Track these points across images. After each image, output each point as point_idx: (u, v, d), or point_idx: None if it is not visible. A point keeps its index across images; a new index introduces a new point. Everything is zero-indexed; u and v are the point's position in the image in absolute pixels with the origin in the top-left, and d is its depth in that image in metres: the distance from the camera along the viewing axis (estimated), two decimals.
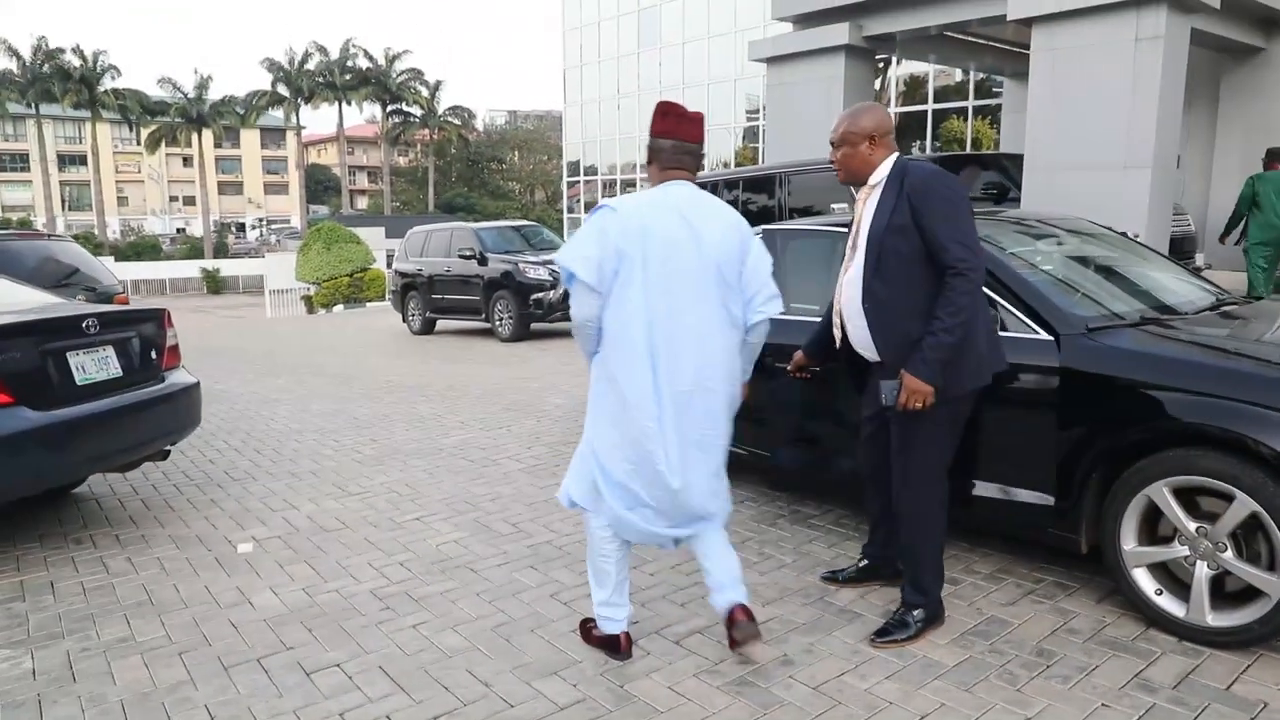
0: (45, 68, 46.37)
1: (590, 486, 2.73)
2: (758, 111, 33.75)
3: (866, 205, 2.86)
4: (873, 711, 2.49)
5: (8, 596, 3.51)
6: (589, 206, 26.64)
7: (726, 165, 34.24)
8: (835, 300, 3.03)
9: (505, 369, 9.31)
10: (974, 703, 2.51)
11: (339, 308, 20.09)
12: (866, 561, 3.33)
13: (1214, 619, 2.73)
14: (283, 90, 50.12)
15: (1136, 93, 8.05)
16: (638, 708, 2.56)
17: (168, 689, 2.75)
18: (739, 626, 2.72)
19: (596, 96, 41.56)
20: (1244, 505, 2.60)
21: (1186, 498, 2.77)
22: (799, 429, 4.13)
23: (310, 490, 4.89)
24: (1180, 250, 8.84)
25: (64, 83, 46.18)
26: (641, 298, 2.56)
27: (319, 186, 68.06)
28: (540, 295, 11.10)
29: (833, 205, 7.40)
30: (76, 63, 46.64)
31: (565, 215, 45.44)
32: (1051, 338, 3.09)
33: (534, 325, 11.58)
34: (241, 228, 67.41)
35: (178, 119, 48.66)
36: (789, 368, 3.48)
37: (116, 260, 31.00)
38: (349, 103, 52.03)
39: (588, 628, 2.96)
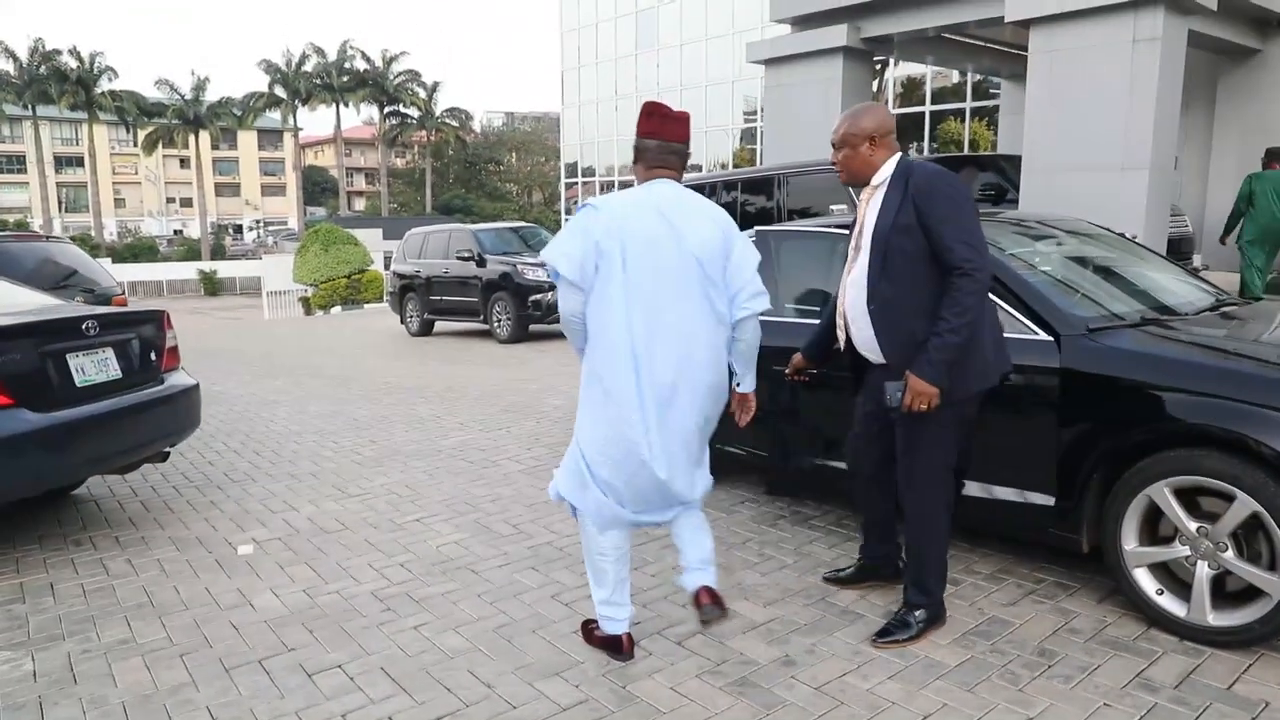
0: (42, 69, 46.32)
1: (577, 478, 2.76)
2: (755, 113, 33.78)
3: (870, 206, 2.85)
4: (875, 712, 2.49)
5: (7, 598, 3.50)
6: None
7: (724, 166, 34.27)
8: (839, 301, 3.00)
9: (504, 370, 9.31)
10: (976, 703, 2.51)
11: (337, 309, 20.08)
12: (865, 561, 3.32)
13: (1215, 619, 2.73)
14: (280, 92, 50.08)
15: (1134, 94, 8.07)
16: (640, 708, 2.56)
17: (169, 690, 2.74)
18: (704, 610, 2.78)
19: (594, 98, 41.59)
20: (1245, 505, 2.61)
21: (1187, 498, 2.78)
22: (804, 431, 4.12)
23: (310, 492, 4.89)
24: (1178, 251, 8.87)
25: (61, 84, 46.11)
26: (621, 295, 2.60)
27: (316, 188, 68.02)
28: (538, 297, 11.11)
29: (832, 207, 7.40)
30: (73, 64, 46.58)
31: (563, 217, 45.49)
32: (1052, 338, 3.09)
33: (532, 327, 11.58)
34: (239, 229, 67.37)
35: (175, 121, 48.61)
36: (787, 371, 3.43)
37: (114, 262, 30.96)
38: (346, 104, 52.02)
39: (589, 629, 2.96)
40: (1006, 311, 3.19)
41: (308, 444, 6.07)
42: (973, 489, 3.25)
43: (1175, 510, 2.76)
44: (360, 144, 69.99)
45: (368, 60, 52.10)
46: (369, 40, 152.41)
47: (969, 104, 26.37)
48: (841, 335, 3.01)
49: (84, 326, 4.06)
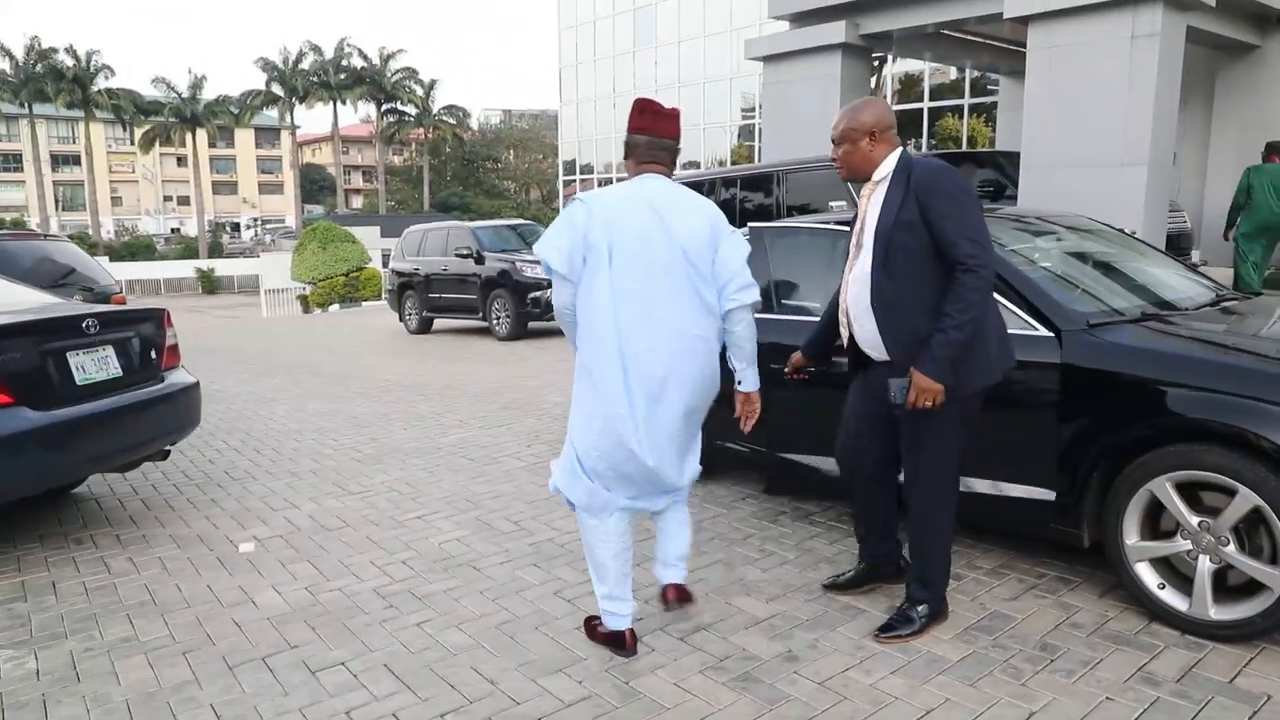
0: (38, 67, 46.18)
1: (569, 469, 2.83)
2: (753, 110, 33.78)
3: (871, 201, 2.82)
4: (878, 706, 2.50)
5: (9, 597, 3.50)
6: None
7: (722, 164, 34.26)
8: (841, 298, 2.97)
9: (503, 367, 9.30)
10: (979, 697, 2.52)
11: (335, 307, 20.07)
12: (865, 564, 3.24)
13: (1217, 613, 2.74)
14: (277, 90, 49.98)
15: (1133, 90, 8.07)
16: (643, 704, 2.56)
17: (172, 688, 2.75)
18: (669, 605, 3.08)
19: (592, 95, 41.56)
20: (1246, 500, 2.62)
21: (1189, 492, 2.78)
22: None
23: (311, 489, 4.89)
24: (1176, 247, 8.88)
25: (57, 82, 45.98)
26: (608, 288, 2.65)
27: (314, 186, 67.92)
28: (537, 294, 11.09)
29: (831, 203, 7.40)
30: (69, 62, 46.45)
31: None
32: (1052, 334, 3.10)
33: (531, 324, 11.58)
34: (236, 227, 67.24)
35: (172, 119, 48.50)
36: (786, 369, 3.36)
37: (111, 260, 30.86)
38: (344, 102, 51.90)
39: (592, 625, 2.97)
40: (1007, 307, 3.19)
41: (307, 442, 6.07)
42: (974, 484, 3.25)
43: (1177, 505, 2.77)
44: (358, 142, 69.87)
45: (365, 58, 52.01)
46: (366, 38, 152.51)
47: (967, 100, 26.38)
48: (845, 332, 2.98)
49: (84, 325, 4.05)
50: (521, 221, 14.77)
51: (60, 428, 3.77)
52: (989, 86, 23.82)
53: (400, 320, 13.69)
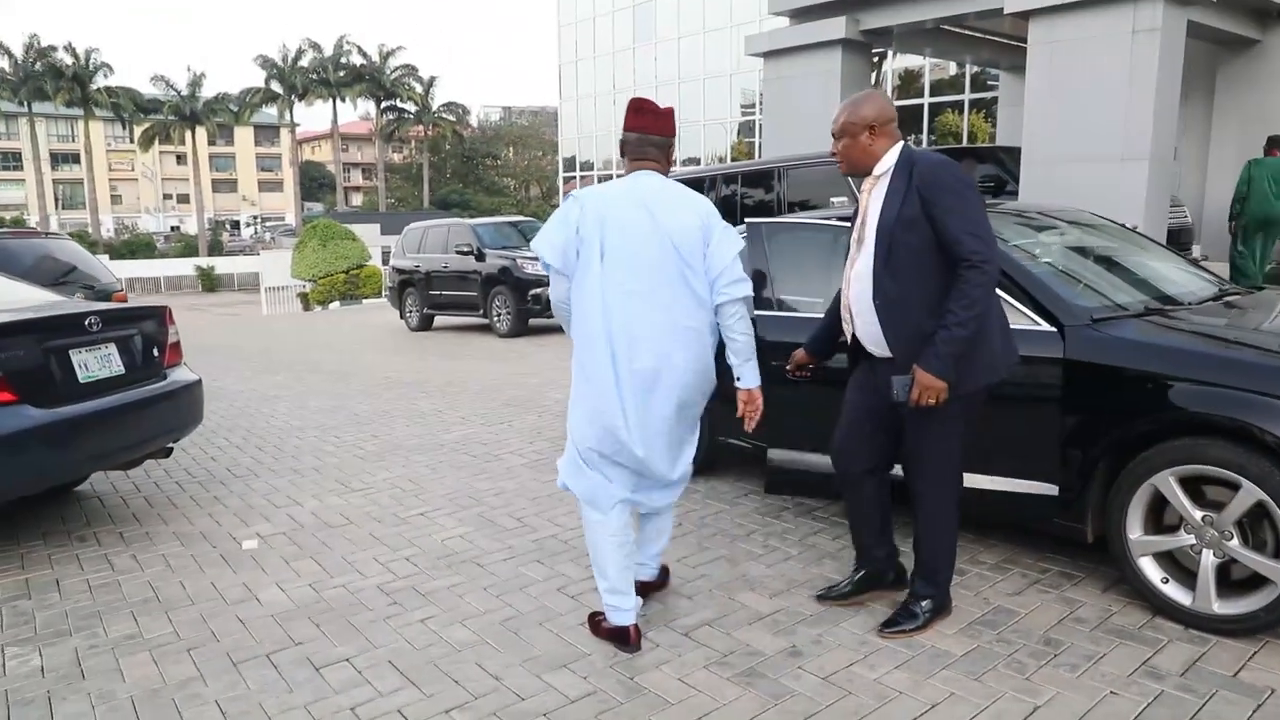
0: (37, 65, 46.11)
1: (572, 463, 2.90)
2: (753, 106, 33.75)
3: (872, 196, 2.79)
4: (883, 701, 2.50)
5: (13, 594, 3.51)
6: None
7: (721, 160, 34.24)
8: (843, 295, 2.94)
9: (504, 364, 9.30)
10: (983, 692, 2.52)
11: (335, 305, 20.06)
12: (865, 572, 3.13)
13: (1220, 607, 2.75)
14: (276, 87, 49.90)
15: (1133, 85, 8.08)
16: (648, 700, 2.56)
17: (177, 685, 2.75)
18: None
19: (592, 92, 41.53)
20: (1250, 494, 2.62)
21: (1192, 486, 2.78)
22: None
23: (313, 486, 4.89)
24: (1177, 242, 8.87)
25: (56, 81, 45.93)
26: (599, 282, 2.72)
27: (313, 183, 67.87)
28: (538, 290, 11.08)
29: (832, 199, 7.40)
30: (69, 60, 46.40)
31: None
32: (1055, 329, 3.09)
33: (532, 321, 11.58)
34: (236, 225, 67.20)
35: (171, 117, 48.43)
36: (788, 367, 3.29)
37: (111, 259, 30.86)
38: (343, 99, 51.82)
39: (596, 621, 2.97)
40: (1010, 303, 3.18)
41: (309, 439, 6.07)
42: (978, 480, 3.25)
43: (1180, 499, 2.77)
44: (357, 139, 69.82)
45: (364, 55, 51.92)
46: (366, 36, 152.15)
47: (967, 96, 26.34)
48: (848, 329, 2.93)
49: (86, 322, 4.05)
50: (522, 218, 14.76)
51: (63, 425, 3.77)
52: (989, 82, 23.78)
53: (401, 317, 13.68)
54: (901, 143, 2.80)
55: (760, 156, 17.89)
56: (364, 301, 20.06)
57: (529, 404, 6.98)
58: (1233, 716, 2.36)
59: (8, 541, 4.10)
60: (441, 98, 67.22)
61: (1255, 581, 2.71)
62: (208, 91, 49.27)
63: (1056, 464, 3.08)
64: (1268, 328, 3.28)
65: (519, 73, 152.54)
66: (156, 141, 50.16)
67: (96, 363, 4.06)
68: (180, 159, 61.64)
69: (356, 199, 70.43)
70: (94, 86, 47.09)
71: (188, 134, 49.43)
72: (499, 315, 11.75)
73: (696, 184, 8.99)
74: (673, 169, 3.08)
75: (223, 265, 38.38)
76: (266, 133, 69.68)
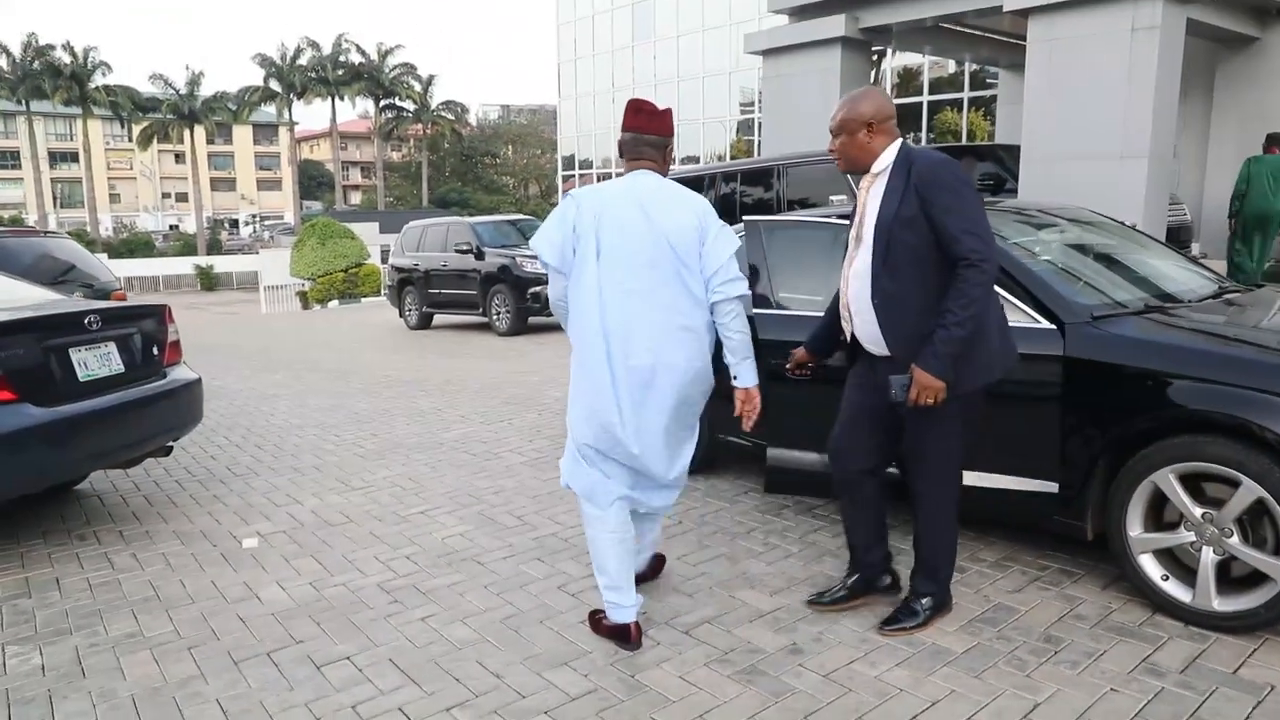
0: (35, 64, 46.05)
1: (574, 459, 2.94)
2: (752, 104, 33.75)
3: (870, 194, 2.76)
4: (883, 699, 2.50)
5: (13, 593, 3.51)
6: None
7: (720, 158, 34.23)
8: (841, 293, 2.92)
9: (503, 363, 9.30)
10: (984, 689, 2.53)
11: (334, 303, 20.06)
12: (858, 577, 3.08)
13: (1220, 604, 2.75)
14: (275, 86, 49.85)
15: (1133, 83, 8.08)
16: (649, 697, 2.57)
17: (178, 684, 2.75)
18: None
19: (591, 90, 41.52)
20: (1250, 491, 2.62)
21: (1192, 484, 2.79)
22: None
23: (313, 485, 4.89)
24: (1176, 240, 8.88)
25: (54, 79, 45.86)
26: (594, 280, 2.75)
27: (312, 182, 67.81)
28: (537, 289, 11.08)
29: (831, 197, 7.40)
30: (67, 59, 46.34)
31: None
32: (1055, 327, 3.09)
33: (531, 319, 11.58)
34: (235, 224, 67.17)
35: (169, 115, 48.37)
36: (788, 365, 3.26)
37: (110, 257, 30.87)
38: (342, 98, 51.77)
39: (597, 619, 2.98)
40: (1010, 300, 3.18)
41: (309, 437, 6.07)
42: (978, 478, 3.25)
43: (1180, 496, 2.77)
44: (356, 138, 69.77)
45: (363, 54, 51.85)
46: (364, 34, 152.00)
47: (966, 94, 26.36)
48: (846, 327, 2.91)
49: (86, 321, 4.05)
50: (521, 217, 14.76)
51: (63, 424, 3.77)
52: (988, 80, 23.80)
53: (400, 316, 13.68)
54: (900, 140, 2.77)
55: (759, 155, 17.89)
56: (363, 300, 20.06)
57: (529, 402, 6.99)
58: (1232, 713, 2.36)
59: (8, 540, 4.10)
60: (440, 96, 67.31)
61: (1255, 579, 2.71)
62: (206, 90, 49.24)
63: (1056, 461, 3.08)
64: (1267, 325, 3.28)
65: (518, 71, 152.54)
66: (155, 140, 50.12)
67: (96, 361, 4.05)
68: (179, 158, 61.53)
69: (355, 197, 70.37)
70: (92, 85, 47.03)
71: (186, 133, 49.38)
72: (498, 313, 11.74)
73: (696, 182, 8.98)
74: (672, 167, 3.08)
75: (221, 264, 38.40)
76: (265, 131, 69.64)
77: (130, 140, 54.90)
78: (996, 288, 3.14)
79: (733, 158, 32.96)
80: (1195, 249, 9.97)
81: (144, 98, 48.74)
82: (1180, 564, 2.90)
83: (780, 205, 8.14)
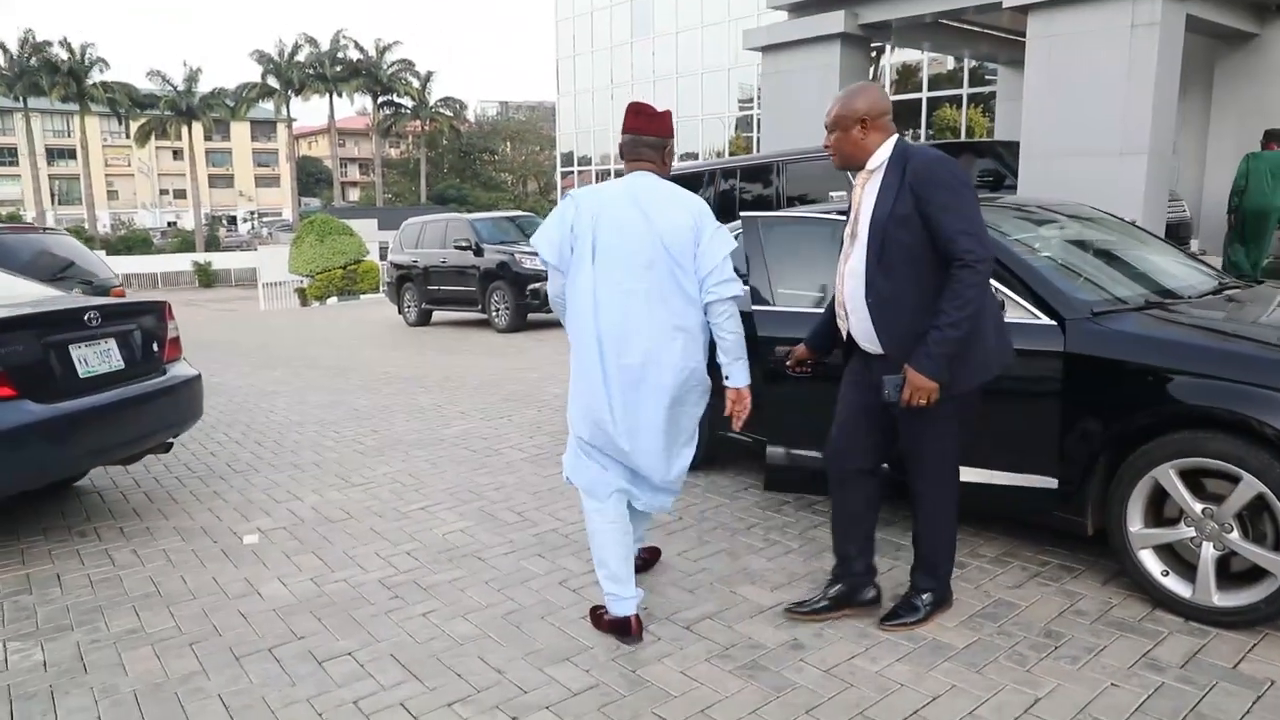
0: (32, 60, 45.95)
1: (573, 452, 2.99)
2: (751, 101, 33.72)
3: (865, 191, 2.73)
4: (884, 693, 2.51)
5: (14, 589, 3.51)
6: None
7: (719, 155, 34.19)
8: (836, 291, 2.90)
9: (502, 359, 9.30)
10: (984, 684, 2.53)
11: (333, 300, 20.03)
12: (842, 586, 2.98)
13: (1220, 599, 2.75)
14: (273, 82, 49.76)
15: (1132, 79, 8.08)
16: (650, 692, 2.57)
17: (180, 679, 2.75)
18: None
19: (590, 87, 41.46)
20: (1250, 487, 2.63)
21: (1192, 479, 2.79)
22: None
23: (313, 481, 4.89)
24: (1175, 236, 8.90)
25: (51, 76, 45.76)
26: (590, 278, 2.80)
27: (310, 179, 67.74)
28: (536, 285, 11.08)
29: (830, 193, 7.40)
30: (64, 56, 46.24)
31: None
32: (1056, 323, 3.10)
33: (530, 316, 11.57)
34: (233, 221, 67.09)
35: (167, 112, 48.28)
36: (788, 363, 3.25)
37: (108, 254, 30.84)
38: (340, 94, 51.69)
39: (598, 614, 2.98)
40: (1010, 297, 3.18)
41: (309, 434, 6.07)
42: (978, 474, 3.25)
43: (1180, 492, 2.78)
44: (354, 134, 69.67)
45: (361, 50, 51.77)
46: (362, 31, 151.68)
47: (965, 90, 26.35)
48: (843, 325, 2.90)
49: (86, 317, 4.05)
50: (520, 213, 14.73)
51: (63, 421, 3.77)
52: (987, 76, 23.79)
53: (399, 313, 13.67)
54: (896, 137, 2.73)
55: (758, 151, 17.88)
56: (361, 297, 20.03)
57: (528, 398, 6.99)
58: (1232, 708, 2.37)
59: (8, 537, 4.10)
60: (439, 93, 67.22)
61: (1255, 574, 2.72)
62: (204, 87, 49.14)
63: (1056, 457, 3.08)
64: (1267, 321, 3.29)
65: (516, 68, 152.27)
66: (153, 137, 50.03)
67: (96, 358, 4.05)
68: (177, 154, 61.42)
69: (354, 194, 70.29)
70: (90, 81, 46.93)
71: (184, 129, 49.28)
72: (497, 310, 11.74)
73: (695, 179, 8.99)
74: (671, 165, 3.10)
75: (220, 261, 38.35)
76: (263, 128, 69.54)
77: (128, 137, 54.78)
78: (997, 284, 3.16)
79: (731, 154, 32.93)
80: (1194, 245, 9.97)
81: (141, 94, 48.65)
82: (1180, 559, 2.91)
83: (779, 201, 8.14)
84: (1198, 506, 2.76)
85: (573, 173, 43.52)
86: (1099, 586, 3.11)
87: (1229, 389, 2.69)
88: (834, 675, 2.62)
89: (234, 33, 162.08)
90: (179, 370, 4.56)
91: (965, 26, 11.86)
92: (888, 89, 27.71)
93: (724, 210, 7.84)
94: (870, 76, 14.97)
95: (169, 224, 62.90)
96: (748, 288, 3.66)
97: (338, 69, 50.62)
